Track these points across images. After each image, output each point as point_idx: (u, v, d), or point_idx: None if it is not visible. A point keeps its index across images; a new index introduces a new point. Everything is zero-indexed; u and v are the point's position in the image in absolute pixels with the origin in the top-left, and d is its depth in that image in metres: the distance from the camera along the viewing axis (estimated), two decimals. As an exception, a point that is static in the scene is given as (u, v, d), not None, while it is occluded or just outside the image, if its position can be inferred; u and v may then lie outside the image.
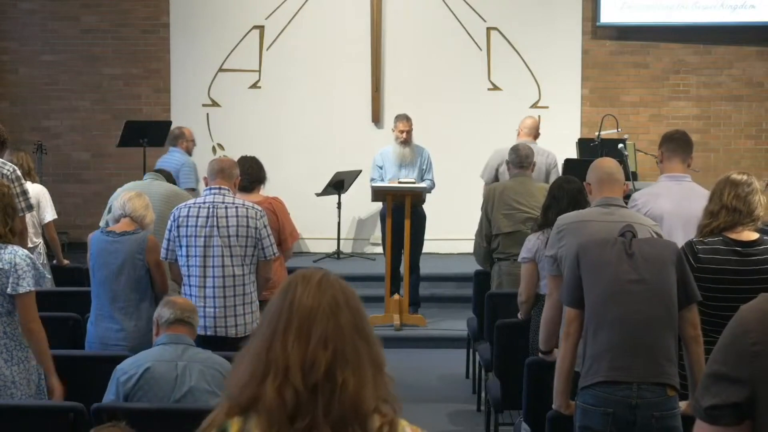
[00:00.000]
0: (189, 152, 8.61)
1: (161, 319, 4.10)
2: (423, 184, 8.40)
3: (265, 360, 1.86)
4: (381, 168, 8.62)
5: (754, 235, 4.18)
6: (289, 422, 1.82)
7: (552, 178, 7.06)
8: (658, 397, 3.60)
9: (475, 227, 6.71)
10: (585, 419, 3.69)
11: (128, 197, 5.22)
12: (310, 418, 1.82)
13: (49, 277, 6.62)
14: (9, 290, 4.17)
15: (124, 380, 3.98)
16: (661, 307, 3.68)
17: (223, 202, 5.21)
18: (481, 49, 10.81)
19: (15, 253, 4.22)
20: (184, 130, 8.71)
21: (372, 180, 8.69)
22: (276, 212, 5.84)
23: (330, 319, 1.87)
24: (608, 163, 4.45)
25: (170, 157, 8.47)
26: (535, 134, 7.84)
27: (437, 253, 10.21)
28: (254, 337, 1.94)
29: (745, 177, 4.20)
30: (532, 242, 5.25)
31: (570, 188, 5.17)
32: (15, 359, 4.18)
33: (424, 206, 8.60)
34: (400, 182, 8.34)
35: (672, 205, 4.90)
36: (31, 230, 6.42)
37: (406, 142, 8.54)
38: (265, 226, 5.23)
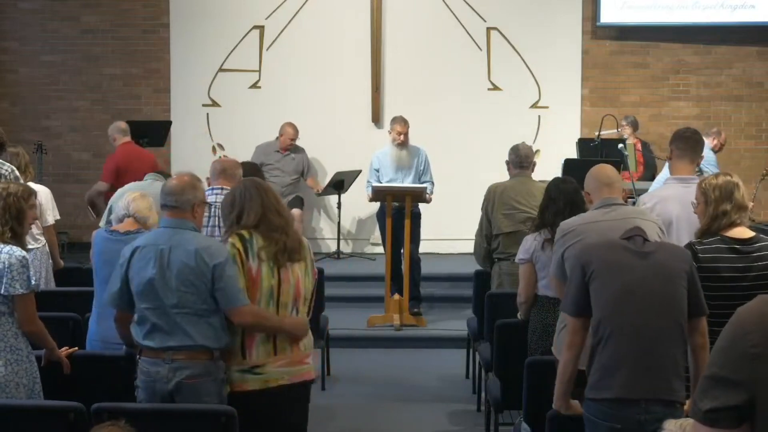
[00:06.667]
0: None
1: (159, 206, 4.34)
2: (423, 186, 8.42)
3: (261, 209, 4.15)
4: (377, 171, 8.62)
5: (750, 233, 4.20)
6: (281, 234, 4.14)
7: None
8: (666, 409, 3.54)
9: (475, 227, 6.71)
10: (592, 431, 3.68)
11: (132, 198, 5.25)
12: (284, 228, 4.16)
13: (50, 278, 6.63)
14: (2, 291, 4.18)
15: (121, 263, 4.15)
16: (671, 318, 3.63)
17: (225, 203, 5.24)
18: (481, 49, 10.81)
19: (11, 254, 4.23)
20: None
21: (368, 183, 8.71)
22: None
23: (277, 198, 4.29)
24: (606, 170, 4.48)
25: None
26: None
27: (437, 253, 10.21)
28: (251, 202, 4.16)
29: (731, 177, 4.25)
30: (529, 243, 5.25)
31: (566, 188, 5.16)
32: (3, 361, 4.18)
33: (425, 205, 8.61)
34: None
35: (680, 210, 4.87)
36: (35, 231, 6.42)
37: (403, 144, 8.55)
38: (266, 227, 5.28)
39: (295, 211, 9.86)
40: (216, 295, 4.04)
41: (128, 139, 8.87)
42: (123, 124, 8.99)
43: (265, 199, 4.19)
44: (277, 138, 10.07)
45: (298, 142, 10.18)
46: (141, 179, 9.02)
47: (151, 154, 9.25)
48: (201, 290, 4.04)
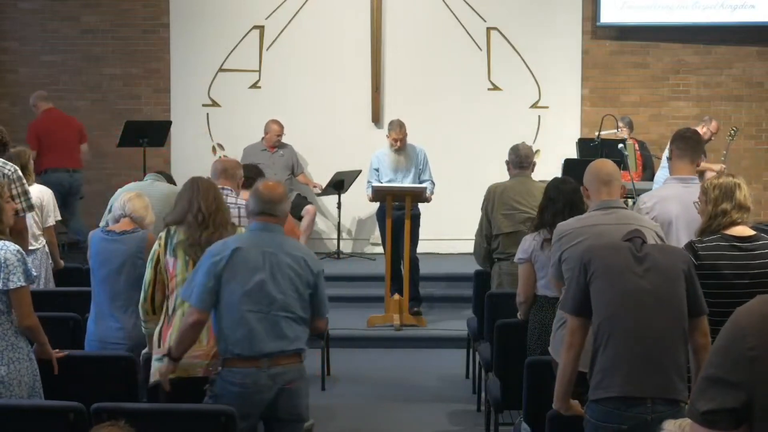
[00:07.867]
0: None
1: (248, 208, 4.33)
2: (423, 186, 8.42)
3: (187, 204, 4.49)
4: (377, 171, 8.63)
5: (750, 231, 4.21)
6: (200, 228, 4.44)
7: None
8: (671, 408, 3.51)
9: (475, 227, 6.71)
10: None
11: (128, 197, 5.26)
12: (206, 223, 4.44)
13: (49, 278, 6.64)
14: (1, 286, 4.17)
15: (215, 261, 4.10)
16: (672, 319, 3.60)
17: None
18: (481, 49, 10.81)
19: (6, 249, 4.23)
20: None
21: (368, 183, 8.71)
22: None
23: (214, 194, 4.53)
24: (605, 166, 4.43)
25: None
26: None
27: (437, 253, 10.21)
28: (181, 200, 4.57)
29: (733, 177, 4.26)
30: (528, 243, 5.26)
31: (566, 189, 5.16)
32: (5, 359, 4.18)
33: (425, 205, 8.61)
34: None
35: (679, 209, 4.87)
36: (36, 231, 6.41)
37: (401, 149, 8.57)
38: (266, 227, 5.28)
39: (309, 207, 9.86)
40: (313, 301, 4.17)
41: (50, 105, 9.69)
42: (44, 93, 9.85)
43: (193, 195, 4.50)
44: (263, 138, 10.08)
45: (293, 140, 10.19)
46: (65, 144, 9.63)
47: (76, 120, 9.74)
48: (303, 297, 4.15)
